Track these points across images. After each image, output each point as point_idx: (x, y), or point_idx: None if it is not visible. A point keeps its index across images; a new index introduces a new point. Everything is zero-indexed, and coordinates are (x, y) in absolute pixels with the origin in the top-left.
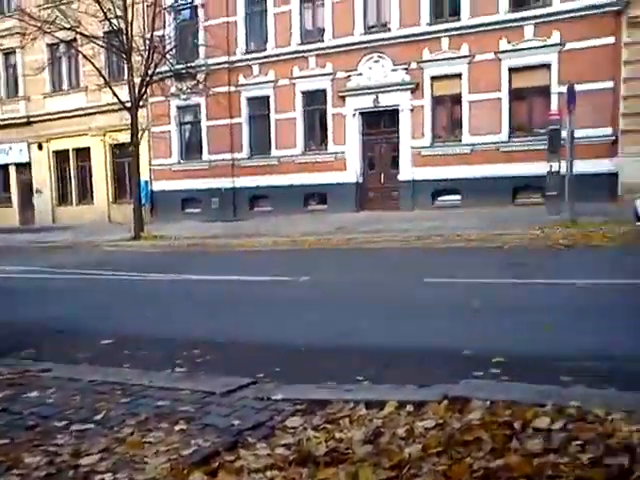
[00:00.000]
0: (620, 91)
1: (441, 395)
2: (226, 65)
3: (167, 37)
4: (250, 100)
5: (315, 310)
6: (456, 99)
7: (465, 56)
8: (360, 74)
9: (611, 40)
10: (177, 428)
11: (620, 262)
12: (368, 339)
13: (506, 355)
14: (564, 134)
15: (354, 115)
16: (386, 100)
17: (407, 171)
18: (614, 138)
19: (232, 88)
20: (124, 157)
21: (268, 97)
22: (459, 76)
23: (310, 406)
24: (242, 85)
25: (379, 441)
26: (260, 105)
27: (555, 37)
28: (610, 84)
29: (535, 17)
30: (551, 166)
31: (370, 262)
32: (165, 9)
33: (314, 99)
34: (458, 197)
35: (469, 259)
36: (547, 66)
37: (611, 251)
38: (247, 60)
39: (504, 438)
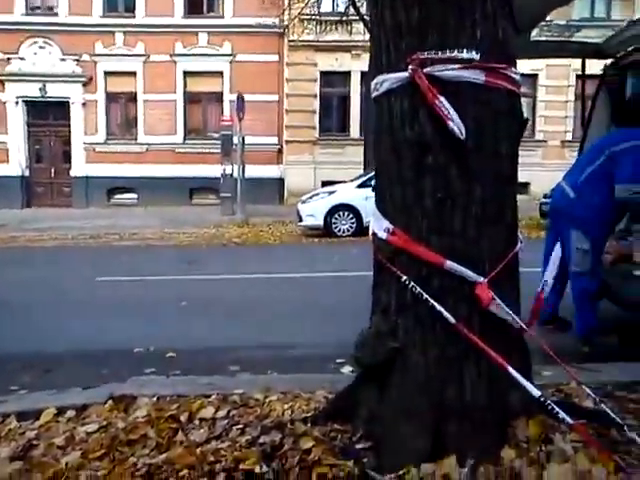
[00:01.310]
0: (284, 105)
1: (106, 396)
2: None
3: None
4: None
5: None
6: (131, 97)
7: (140, 55)
8: (23, 59)
9: (275, 58)
10: None
11: (284, 256)
12: (27, 344)
13: (178, 350)
14: (236, 140)
15: (17, 103)
16: (55, 91)
17: (80, 167)
18: (279, 147)
19: None
20: None
21: None
22: (134, 74)
23: None
24: None
25: (31, 455)
26: None
27: (227, 47)
28: (276, 97)
29: (208, 26)
30: (224, 169)
31: (37, 261)
32: None
33: None
34: (134, 196)
35: (145, 257)
36: (220, 73)
37: (278, 247)
38: None
39: (170, 432)
